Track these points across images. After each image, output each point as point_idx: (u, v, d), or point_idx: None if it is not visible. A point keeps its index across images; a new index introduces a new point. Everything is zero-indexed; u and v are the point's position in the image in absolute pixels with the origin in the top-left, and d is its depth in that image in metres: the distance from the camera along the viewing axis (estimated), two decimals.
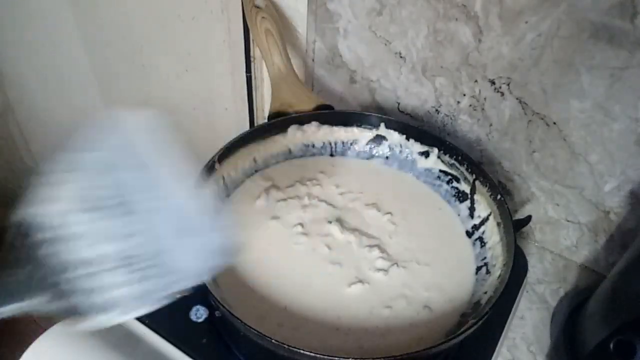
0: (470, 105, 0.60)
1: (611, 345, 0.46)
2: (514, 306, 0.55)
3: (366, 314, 0.45)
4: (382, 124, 0.60)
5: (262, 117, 0.84)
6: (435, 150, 0.57)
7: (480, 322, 0.40)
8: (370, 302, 0.46)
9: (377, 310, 0.46)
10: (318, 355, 0.36)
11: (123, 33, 0.93)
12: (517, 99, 0.56)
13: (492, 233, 0.51)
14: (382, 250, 0.51)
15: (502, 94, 0.56)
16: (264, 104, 0.82)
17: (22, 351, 0.45)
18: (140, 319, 0.49)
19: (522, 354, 0.59)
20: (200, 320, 0.49)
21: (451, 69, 0.59)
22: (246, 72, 0.78)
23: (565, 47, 0.50)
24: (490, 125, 0.60)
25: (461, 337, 0.40)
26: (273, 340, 0.37)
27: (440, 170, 0.58)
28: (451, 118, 0.63)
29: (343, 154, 0.62)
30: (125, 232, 0.28)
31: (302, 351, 0.36)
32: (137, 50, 0.93)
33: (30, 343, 0.45)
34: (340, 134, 0.61)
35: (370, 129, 0.60)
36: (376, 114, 0.60)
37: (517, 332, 0.60)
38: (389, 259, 0.50)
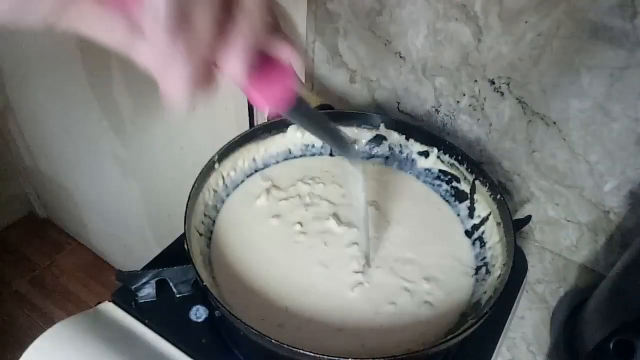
0: (470, 105, 0.60)
1: (611, 345, 0.46)
2: (514, 306, 0.55)
3: (366, 314, 0.45)
4: (382, 124, 0.59)
5: (262, 117, 0.84)
6: (435, 150, 0.57)
7: (480, 322, 0.40)
8: (371, 301, 0.46)
9: (377, 310, 0.46)
10: (317, 355, 0.36)
11: None
12: (517, 99, 0.56)
13: (492, 233, 0.51)
14: (383, 249, 0.51)
15: (502, 94, 0.56)
16: None
17: (22, 351, 0.45)
18: (140, 319, 0.49)
19: (522, 354, 0.59)
20: (200, 320, 0.49)
21: (451, 69, 0.59)
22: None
23: (565, 47, 0.50)
24: (490, 125, 0.60)
25: (461, 337, 0.40)
26: (273, 341, 0.37)
27: (440, 170, 0.58)
28: (451, 118, 0.63)
29: None
30: None
31: (301, 351, 0.36)
32: None
33: (30, 343, 0.45)
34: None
35: (370, 129, 0.60)
36: (376, 114, 0.60)
37: (517, 332, 0.60)
38: (390, 259, 0.50)
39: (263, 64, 0.28)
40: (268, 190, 0.56)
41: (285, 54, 0.28)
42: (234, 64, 0.25)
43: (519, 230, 0.51)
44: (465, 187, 0.55)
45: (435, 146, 0.57)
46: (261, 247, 0.50)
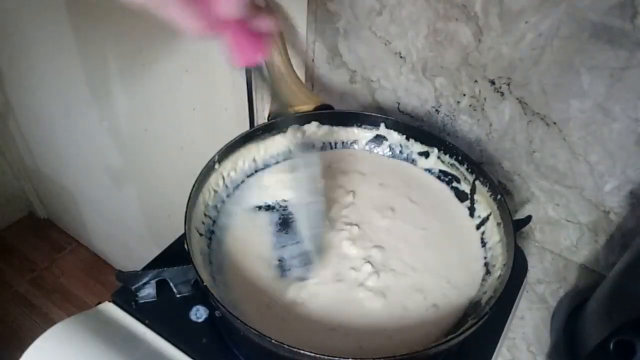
0: (470, 105, 0.60)
1: (611, 345, 0.46)
2: (514, 306, 0.55)
3: (368, 314, 0.45)
4: (382, 124, 0.59)
5: (262, 117, 0.84)
6: (435, 150, 0.57)
7: (480, 322, 0.40)
8: (372, 302, 0.46)
9: (378, 310, 0.46)
10: (318, 355, 0.36)
11: (122, 33, 0.93)
12: (517, 99, 0.56)
13: (492, 233, 0.51)
14: (382, 249, 0.51)
15: (502, 94, 0.56)
16: (264, 104, 0.82)
17: (22, 351, 0.45)
18: (140, 319, 0.49)
19: (522, 354, 0.59)
20: (200, 320, 0.49)
21: (451, 69, 0.59)
22: (246, 72, 0.78)
23: (565, 47, 0.50)
24: (490, 125, 0.60)
25: (461, 337, 0.40)
26: (273, 341, 0.37)
27: (440, 171, 0.58)
28: (451, 118, 0.63)
29: None
30: None
31: (301, 351, 0.36)
32: (136, 50, 0.93)
33: (30, 343, 0.45)
34: (340, 134, 0.61)
35: (370, 129, 0.60)
36: (376, 114, 0.60)
37: (517, 332, 0.60)
38: (390, 260, 0.50)
39: (247, 27, 0.38)
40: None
41: (266, 25, 0.39)
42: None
43: (519, 230, 0.51)
44: (465, 187, 0.55)
45: (435, 146, 0.57)
46: (262, 247, 0.50)
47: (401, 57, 0.62)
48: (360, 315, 0.45)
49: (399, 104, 0.66)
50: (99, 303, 0.51)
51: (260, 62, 0.41)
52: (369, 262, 0.49)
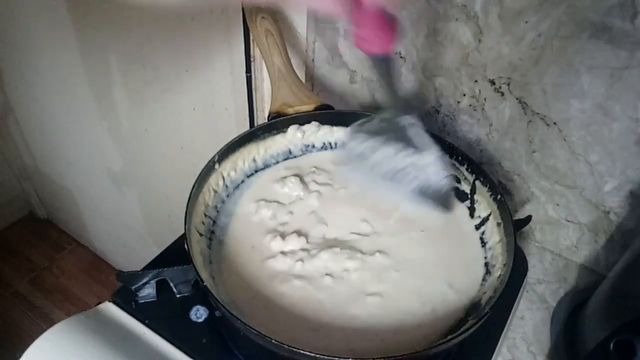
0: (470, 105, 0.60)
1: (611, 345, 0.46)
2: (514, 306, 0.55)
3: (368, 315, 0.45)
4: None
5: (262, 117, 0.84)
6: None
7: (480, 322, 0.40)
8: (367, 302, 0.46)
9: (373, 312, 0.46)
10: (318, 355, 0.36)
11: (123, 33, 0.93)
12: (517, 99, 0.56)
13: (492, 233, 0.51)
14: (384, 253, 0.51)
15: (502, 94, 0.56)
16: (264, 104, 0.82)
17: (22, 351, 0.45)
18: (140, 319, 0.49)
19: (522, 354, 0.59)
20: (200, 320, 0.49)
21: (451, 69, 0.59)
22: (246, 72, 0.78)
23: (565, 47, 0.50)
24: (490, 125, 0.60)
25: (461, 337, 0.40)
26: (273, 341, 0.37)
27: None
28: (451, 118, 0.63)
29: None
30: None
31: (301, 351, 0.36)
32: (137, 50, 0.93)
33: (30, 343, 0.45)
34: (340, 134, 0.61)
35: None
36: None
37: (517, 332, 0.60)
38: (392, 261, 0.50)
39: (383, 16, 0.38)
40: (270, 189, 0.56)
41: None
42: None
43: (519, 230, 0.51)
44: (465, 187, 0.55)
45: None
46: (263, 247, 0.50)
47: (401, 57, 0.62)
48: (353, 315, 0.45)
49: None
50: (99, 303, 0.51)
51: (390, 51, 0.41)
52: (365, 261, 0.49)
